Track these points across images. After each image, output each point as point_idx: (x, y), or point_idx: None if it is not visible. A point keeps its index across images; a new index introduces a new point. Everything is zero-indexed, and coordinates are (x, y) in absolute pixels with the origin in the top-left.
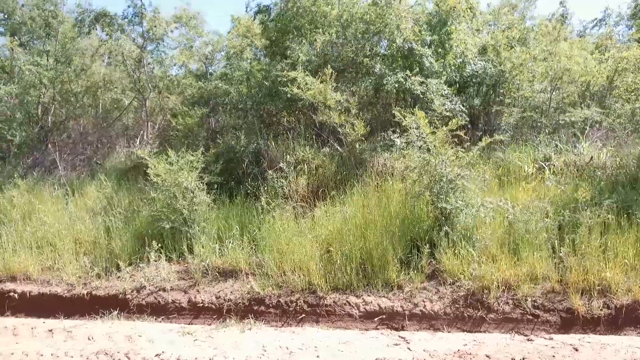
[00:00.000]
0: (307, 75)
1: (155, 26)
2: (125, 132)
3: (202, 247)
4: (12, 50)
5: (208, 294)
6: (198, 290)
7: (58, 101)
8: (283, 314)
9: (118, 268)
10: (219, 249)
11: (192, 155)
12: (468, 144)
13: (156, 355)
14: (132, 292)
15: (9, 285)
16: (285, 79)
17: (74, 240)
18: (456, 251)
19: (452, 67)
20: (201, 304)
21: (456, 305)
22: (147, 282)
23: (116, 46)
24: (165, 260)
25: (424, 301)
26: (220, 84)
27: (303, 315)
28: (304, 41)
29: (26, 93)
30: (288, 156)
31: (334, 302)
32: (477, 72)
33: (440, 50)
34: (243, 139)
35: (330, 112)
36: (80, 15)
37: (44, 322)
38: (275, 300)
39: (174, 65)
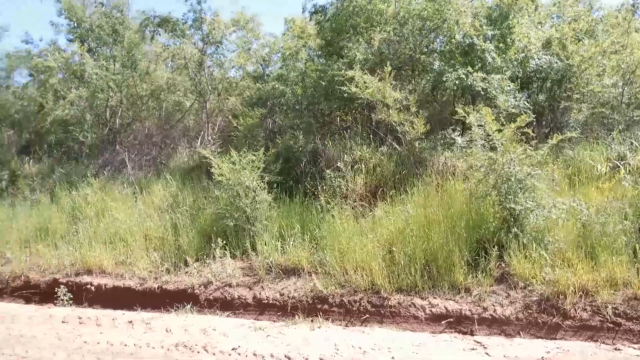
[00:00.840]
0: (365, 74)
1: (214, 29)
2: (186, 133)
3: (265, 244)
4: (82, 55)
5: (272, 291)
6: (262, 287)
7: (125, 104)
8: (347, 314)
9: (186, 263)
10: (281, 247)
11: (254, 155)
12: (535, 141)
13: (232, 349)
14: (199, 287)
15: (85, 278)
16: (342, 78)
17: (143, 236)
18: (527, 254)
19: (515, 62)
20: (266, 301)
21: (529, 311)
22: (213, 278)
23: (179, 50)
24: (230, 257)
25: (493, 305)
26: (276, 85)
27: (367, 315)
28: (360, 40)
29: (95, 97)
30: (345, 155)
31: (398, 303)
32: (542, 66)
33: (501, 45)
34: (301, 139)
35: (389, 110)
36: (144, 21)
37: (123, 314)
38: (338, 300)
39: (233, 67)
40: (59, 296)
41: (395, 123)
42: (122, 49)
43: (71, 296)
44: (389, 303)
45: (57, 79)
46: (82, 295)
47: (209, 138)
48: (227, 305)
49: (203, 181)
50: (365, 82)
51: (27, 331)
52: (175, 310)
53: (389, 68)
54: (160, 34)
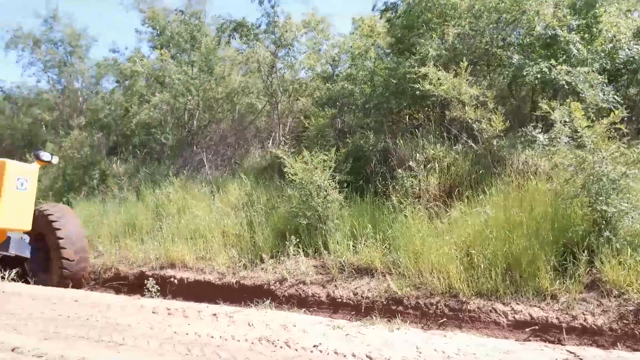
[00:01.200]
0: (439, 70)
1: (286, 32)
2: (258, 134)
3: (337, 243)
4: (163, 62)
5: (346, 290)
6: (336, 286)
7: (202, 107)
8: (422, 316)
9: (261, 260)
10: (353, 247)
11: (325, 155)
12: (627, 138)
13: (314, 346)
14: (275, 283)
15: (169, 272)
16: (414, 76)
17: (221, 233)
18: (621, 259)
19: (602, 54)
20: (340, 300)
21: (624, 321)
22: (288, 275)
23: (252, 54)
24: (303, 254)
25: (584, 314)
26: (345, 85)
27: (444, 319)
28: (433, 35)
29: (175, 100)
30: (417, 154)
31: (478, 308)
32: (633, 57)
33: (586, 35)
34: (372, 138)
35: (465, 107)
36: (221, 26)
37: (207, 307)
38: (414, 302)
39: (303, 68)
40: (148, 288)
41: (471, 120)
42: (200, 55)
43: (158, 288)
44: (468, 307)
45: (142, 84)
46: (166, 288)
47: (281, 138)
48: (302, 303)
49: (275, 180)
50: (439, 79)
51: (122, 320)
52: (254, 305)
53: (465, 63)
54: (235, 38)
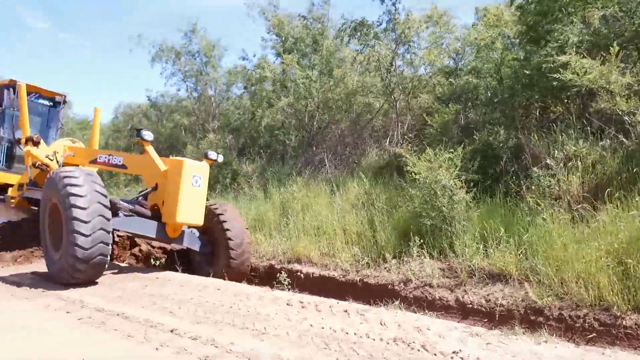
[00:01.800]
0: (583, 57)
1: (407, 28)
2: (374, 133)
3: (465, 246)
4: (288, 66)
5: (476, 295)
6: (465, 291)
7: (321, 108)
8: (567, 330)
9: (384, 259)
10: (484, 250)
11: (451, 153)
12: None
13: (453, 352)
14: (399, 284)
15: (296, 266)
16: (552, 65)
17: (342, 231)
18: None
19: None
20: (470, 305)
21: None
22: (413, 276)
23: (372, 53)
24: (427, 256)
25: None
26: (470, 79)
27: (593, 334)
28: (574, 20)
29: (297, 103)
30: (556, 151)
31: (636, 324)
32: None
33: None
34: (502, 134)
35: (615, 97)
36: (342, 25)
37: (337, 303)
38: (556, 313)
39: (423, 64)
40: (280, 280)
41: (622, 112)
42: (321, 57)
43: (289, 281)
44: (624, 323)
45: (268, 89)
46: (294, 281)
47: (399, 137)
48: (428, 305)
49: (395, 179)
50: (584, 67)
51: (261, 310)
52: (382, 304)
53: (616, 48)
54: (356, 38)
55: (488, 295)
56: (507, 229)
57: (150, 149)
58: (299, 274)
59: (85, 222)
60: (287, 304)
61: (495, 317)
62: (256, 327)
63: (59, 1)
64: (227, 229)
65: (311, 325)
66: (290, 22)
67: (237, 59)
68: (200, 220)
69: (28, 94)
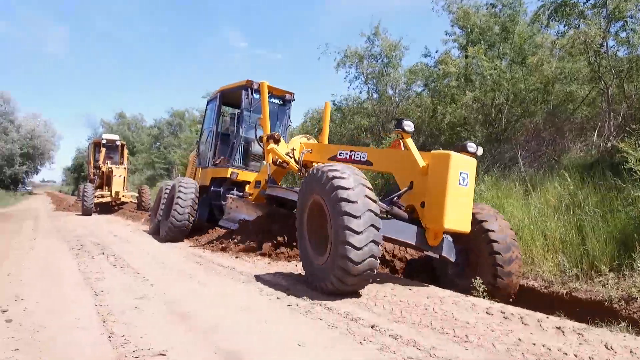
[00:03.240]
0: None
1: (625, 1)
2: (578, 125)
3: None
4: (474, 59)
5: None
6: None
7: (511, 100)
8: None
9: (597, 272)
10: None
11: None
12: None
13: None
14: (619, 301)
15: None
16: None
17: (542, 236)
18: None
19: None
20: None
21: None
22: (638, 294)
23: (577, 35)
24: None
25: None
26: None
27: None
28: None
29: (484, 97)
30: None
31: None
32: None
33: None
34: None
35: None
36: (540, 9)
37: (547, 317)
38: None
39: None
40: (474, 286)
41: None
42: (512, 45)
43: (485, 288)
44: None
45: (452, 84)
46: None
47: (612, 130)
48: None
49: (609, 178)
50: None
51: (458, 316)
52: (596, 323)
53: None
54: (556, 20)
55: None
56: None
57: (410, 142)
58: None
59: (358, 234)
60: (487, 313)
61: None
62: (456, 333)
63: (255, 23)
64: (494, 240)
65: (520, 340)
66: (476, 12)
67: (417, 57)
68: (467, 227)
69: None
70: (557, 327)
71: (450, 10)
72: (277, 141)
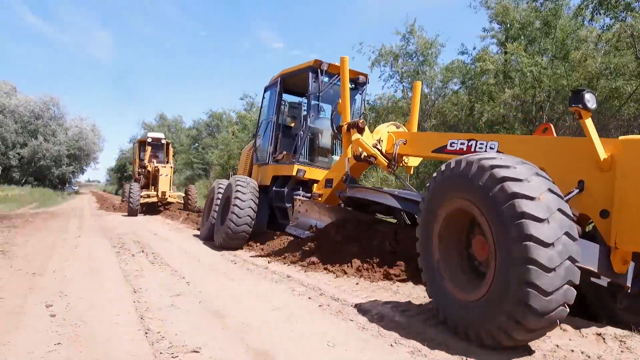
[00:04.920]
0: None
1: None
2: (622, 122)
3: None
4: (514, 55)
5: None
6: None
7: (553, 97)
8: None
9: None
10: None
11: None
12: None
13: None
14: None
15: None
16: None
17: None
18: None
19: None
20: None
21: None
22: None
23: (624, 28)
24: None
25: None
26: None
27: None
28: None
29: (524, 94)
30: None
31: None
32: None
33: None
34: None
35: None
36: (583, 1)
37: (587, 322)
38: None
39: None
40: None
41: None
42: (554, 41)
43: None
44: None
45: (490, 81)
46: None
47: None
48: None
49: None
50: None
51: None
52: None
53: None
54: (601, 13)
55: None
56: None
57: (589, 123)
58: None
59: (549, 271)
60: None
61: None
62: None
63: (290, 23)
64: None
65: (557, 346)
66: (516, 7)
67: (453, 55)
68: None
69: (332, 75)
70: (597, 334)
71: (489, 6)
72: (361, 130)
